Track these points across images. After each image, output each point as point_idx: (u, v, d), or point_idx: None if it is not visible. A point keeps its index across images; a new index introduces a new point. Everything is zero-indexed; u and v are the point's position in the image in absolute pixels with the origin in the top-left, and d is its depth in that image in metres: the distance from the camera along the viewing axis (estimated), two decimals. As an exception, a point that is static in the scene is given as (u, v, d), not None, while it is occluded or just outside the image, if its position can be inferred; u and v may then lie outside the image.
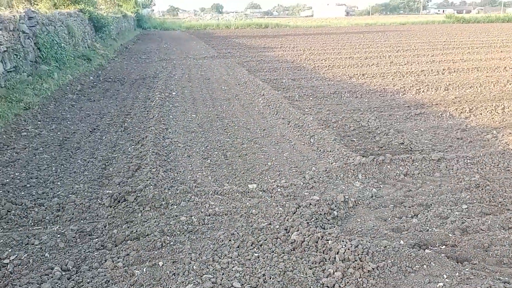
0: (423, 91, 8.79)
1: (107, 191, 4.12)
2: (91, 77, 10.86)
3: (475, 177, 4.31)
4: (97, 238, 3.29)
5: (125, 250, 3.06)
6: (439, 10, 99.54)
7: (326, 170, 4.53)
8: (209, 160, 5.02)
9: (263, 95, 8.45)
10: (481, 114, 6.91)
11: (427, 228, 3.39)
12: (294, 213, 3.57)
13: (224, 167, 4.80)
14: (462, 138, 5.76)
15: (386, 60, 13.59)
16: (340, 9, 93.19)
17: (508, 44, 18.42)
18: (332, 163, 4.76)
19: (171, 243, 3.16)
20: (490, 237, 3.22)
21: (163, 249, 3.08)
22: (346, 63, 13.10)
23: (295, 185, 4.24)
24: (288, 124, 6.55)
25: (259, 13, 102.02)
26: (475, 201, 3.86)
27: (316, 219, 3.47)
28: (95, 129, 6.39)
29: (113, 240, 3.22)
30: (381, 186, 4.27)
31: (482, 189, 4.06)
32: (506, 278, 2.75)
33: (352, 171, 4.52)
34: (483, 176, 4.41)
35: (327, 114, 7.11)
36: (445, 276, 2.74)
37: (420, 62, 13.05)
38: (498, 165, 4.70)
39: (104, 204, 3.85)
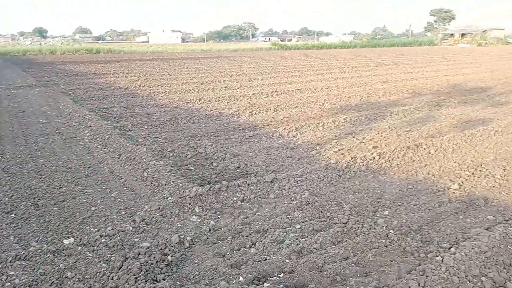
0: (255, 113, 9.19)
1: None
2: None
3: (305, 194, 4.48)
4: None
5: None
6: (265, 38, 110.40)
7: (159, 207, 4.10)
8: (13, 215, 4.04)
9: (90, 126, 7.56)
10: (306, 132, 7.49)
11: (265, 256, 3.27)
12: (120, 268, 3.02)
13: (33, 221, 3.91)
14: (291, 157, 6.07)
15: (221, 85, 13.99)
16: (176, 36, 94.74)
17: (322, 67, 21.21)
18: (167, 198, 4.36)
19: None
20: (323, 255, 3.27)
21: None
22: (183, 89, 12.98)
23: (123, 231, 3.69)
24: (119, 158, 5.91)
25: (90, 38, 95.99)
26: (307, 219, 3.96)
27: (146, 271, 3.00)
28: None
29: None
30: (219, 216, 4.05)
31: (311, 205, 4.22)
32: (340, 297, 2.77)
33: (188, 204, 4.20)
34: (311, 192, 4.63)
35: (163, 143, 6.71)
36: (285, 309, 2.61)
37: (251, 86, 13.83)
38: (323, 179, 5.02)
39: None
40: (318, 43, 58.62)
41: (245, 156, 6.09)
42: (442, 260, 2.97)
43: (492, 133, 7.16)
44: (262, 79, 15.75)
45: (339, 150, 6.37)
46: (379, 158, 5.73)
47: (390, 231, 3.65)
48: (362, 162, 5.58)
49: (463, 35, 67.71)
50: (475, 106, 9.99)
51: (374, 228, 3.71)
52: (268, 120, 8.50)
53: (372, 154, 5.84)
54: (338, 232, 3.67)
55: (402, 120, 8.43)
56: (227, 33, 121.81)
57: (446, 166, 5.55)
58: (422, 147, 6.27)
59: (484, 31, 65.48)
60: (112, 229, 3.72)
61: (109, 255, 3.27)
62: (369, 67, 21.82)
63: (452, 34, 71.51)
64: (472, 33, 65.66)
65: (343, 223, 3.84)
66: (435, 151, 6.17)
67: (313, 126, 7.80)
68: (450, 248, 3.32)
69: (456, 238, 3.59)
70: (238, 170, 5.39)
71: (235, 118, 8.81)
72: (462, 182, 4.96)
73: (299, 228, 3.76)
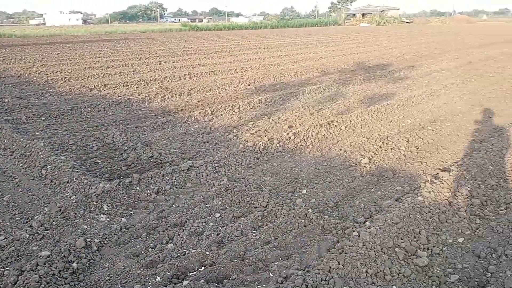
0: (168, 98, 8.76)
1: None
2: None
3: (223, 180, 4.33)
4: None
5: None
6: (175, 19, 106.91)
7: (61, 209, 3.65)
8: None
9: (-27, 121, 6.56)
10: (221, 115, 7.32)
11: (184, 251, 3.07)
12: (15, 284, 2.61)
13: None
14: (208, 142, 5.87)
15: (129, 69, 13.14)
16: (76, 17, 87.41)
17: (235, 49, 21.06)
18: (70, 198, 3.91)
19: None
20: (244, 243, 3.16)
21: None
22: (85, 74, 11.92)
23: (18, 240, 3.21)
24: (11, 155, 5.19)
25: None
26: (226, 206, 3.82)
27: (47, 283, 2.62)
28: None
29: None
30: (131, 212, 3.74)
31: (231, 191, 4.09)
32: (264, 285, 2.69)
33: (95, 203, 3.80)
34: (230, 177, 4.50)
35: (64, 136, 6.05)
36: (207, 307, 2.45)
37: (163, 69, 13.21)
38: (241, 163, 4.92)
39: None
40: (229, 24, 58.29)
41: (158, 144, 5.75)
42: (359, 235, 3.04)
43: (395, 107, 7.66)
44: (174, 62, 15.13)
45: (256, 132, 6.31)
46: (294, 138, 5.78)
47: (309, 210, 3.67)
48: (279, 143, 5.58)
49: (363, 15, 72.30)
50: (378, 82, 10.64)
51: (293, 209, 3.70)
52: (182, 105, 8.15)
53: (288, 134, 5.87)
54: (258, 216, 3.59)
55: (314, 99, 8.66)
56: (133, 13, 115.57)
57: (356, 141, 5.79)
58: (333, 124, 6.46)
59: (382, 11, 70.53)
60: (4, 239, 3.21)
61: (1, 269, 2.81)
62: (280, 47, 22.19)
63: (354, 14, 75.98)
64: (371, 13, 70.37)
65: (263, 207, 3.77)
66: (346, 127, 6.41)
67: (228, 109, 7.65)
68: (365, 222, 3.43)
69: (370, 211, 3.73)
70: (151, 160, 5.05)
71: (146, 103, 8.31)
72: (372, 156, 5.20)
73: (219, 217, 3.62)
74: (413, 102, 8.09)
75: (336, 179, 4.52)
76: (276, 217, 3.62)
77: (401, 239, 3.09)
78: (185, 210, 3.75)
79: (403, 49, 19.95)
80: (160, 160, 5.04)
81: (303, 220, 3.51)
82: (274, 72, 12.53)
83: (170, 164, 4.87)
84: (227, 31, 47.93)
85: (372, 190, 4.25)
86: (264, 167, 4.89)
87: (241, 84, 10.47)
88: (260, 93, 9.42)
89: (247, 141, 5.82)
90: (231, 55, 17.68)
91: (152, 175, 4.37)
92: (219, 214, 3.65)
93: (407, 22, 70.83)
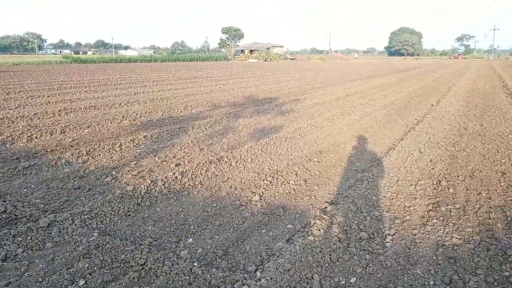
0: (36, 137, 7.63)
1: None
2: None
3: (93, 235, 3.67)
4: None
5: None
6: (56, 51, 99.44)
7: None
8: None
9: None
10: (99, 155, 6.54)
11: None
12: None
13: None
14: (80, 188, 5.09)
15: (-8, 104, 11.38)
16: None
17: (121, 82, 19.99)
18: None
19: None
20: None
21: None
22: None
23: None
24: None
25: None
26: (95, 269, 3.18)
27: None
28: None
29: None
30: (-37, 292, 2.87)
31: (102, 249, 3.46)
32: None
33: None
34: (103, 231, 3.85)
35: None
36: None
37: (34, 104, 11.73)
38: (118, 212, 4.29)
39: None
40: (117, 56, 56.10)
41: (16, 194, 4.79)
42: (249, 290, 2.70)
43: (283, 140, 7.73)
44: (49, 96, 13.63)
45: (138, 173, 5.71)
46: (181, 177, 5.34)
47: (195, 263, 3.23)
48: (163, 184, 5.07)
49: (251, 51, 76.12)
50: (267, 115, 10.83)
51: (177, 264, 3.23)
52: (52, 145, 7.13)
53: (174, 173, 5.40)
54: (134, 278, 3.04)
55: (204, 134, 8.36)
56: (6, 44, 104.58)
57: (247, 177, 5.58)
58: (223, 160, 6.20)
59: (268, 48, 75.07)
60: None
61: None
62: (170, 81, 21.76)
63: (243, 51, 79.53)
64: (258, 50, 74.41)
65: (141, 265, 3.22)
66: (236, 162, 6.19)
67: (108, 148, 6.90)
68: (255, 271, 3.10)
69: (261, 257, 3.43)
70: (3, 216, 4.12)
71: (7, 145, 7.09)
72: (262, 193, 5.00)
73: (83, 285, 2.96)
74: (299, 134, 8.29)
75: (226, 222, 4.17)
76: (156, 276, 3.10)
77: (294, 287, 2.84)
78: (40, 280, 3.01)
79: (288, 83, 21.07)
80: (15, 215, 4.15)
81: (187, 277, 3.06)
82: (163, 106, 12.01)
83: (27, 220, 4.02)
84: (114, 63, 45.88)
85: (264, 231, 3.99)
86: (145, 214, 4.33)
87: (126, 120, 9.72)
88: (146, 128, 8.81)
89: (127, 184, 5.19)
90: (116, 89, 16.66)
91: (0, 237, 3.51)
92: (84, 281, 3.00)
93: (290, 59, 76.46)
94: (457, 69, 39.11)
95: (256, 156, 6.61)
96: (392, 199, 4.75)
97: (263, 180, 5.46)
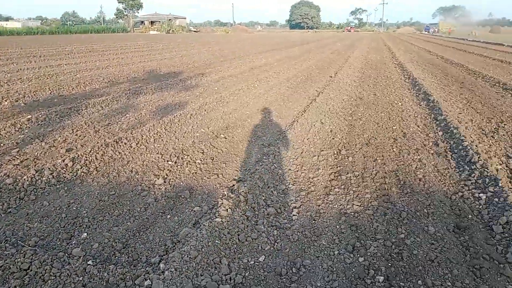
0: None
1: None
2: None
3: (-39, 242, 3.08)
4: None
5: None
6: None
7: None
8: None
9: None
10: (-29, 143, 5.59)
11: None
12: None
13: None
14: None
15: None
16: None
17: (1, 58, 17.51)
18: None
19: None
20: None
21: None
22: None
23: None
24: None
25: None
26: (-36, 283, 2.67)
27: None
28: None
29: None
30: None
31: (-27, 258, 2.91)
32: None
33: None
34: (-26, 235, 3.26)
35: None
36: None
37: None
38: (-6, 210, 3.68)
39: None
40: (-4, 28, 49.15)
41: None
42: (151, 286, 2.47)
43: (188, 116, 7.42)
44: None
45: (21, 162, 4.99)
46: (73, 164, 4.78)
47: (89, 262, 2.89)
48: (51, 174, 4.49)
49: (152, 22, 72.41)
50: (171, 91, 10.33)
51: (69, 264, 2.86)
52: None
53: (64, 160, 4.82)
54: (16, 287, 2.61)
55: (100, 113, 7.65)
56: None
57: (150, 159, 5.22)
58: (123, 141, 5.72)
59: (170, 20, 72.06)
60: None
61: None
62: (61, 55, 19.69)
63: (142, 22, 75.27)
64: (160, 21, 71.06)
65: (24, 270, 2.79)
66: (137, 144, 5.76)
67: (-18, 135, 5.94)
68: (159, 263, 2.87)
69: (166, 246, 3.20)
70: None
71: None
72: (167, 175, 4.72)
73: None
74: (205, 110, 8.04)
75: (126, 211, 3.84)
76: (44, 281, 2.70)
77: (201, 275, 2.68)
78: None
79: (193, 57, 20.44)
80: None
81: (81, 278, 2.72)
82: (52, 83, 10.75)
83: None
84: (-9, 36, 40.20)
85: (169, 216, 3.75)
86: (30, 209, 3.78)
87: (5, 101, 8.50)
88: (31, 110, 7.79)
89: (7, 175, 4.49)
90: (-7, 65, 14.53)
91: None
92: None
93: (194, 31, 74.55)
94: (351, 41, 41.71)
95: (160, 135, 6.23)
96: (297, 171, 4.81)
97: (168, 161, 5.16)
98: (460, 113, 7.62)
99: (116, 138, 5.77)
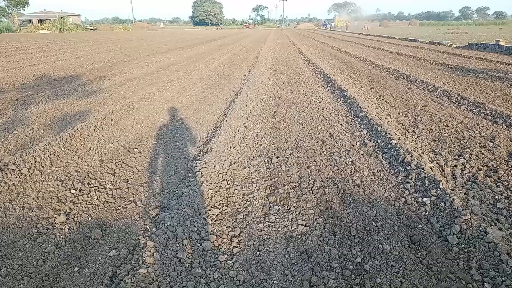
0: None
1: None
2: None
3: None
4: None
5: None
6: None
7: None
8: None
9: None
10: None
11: None
12: None
13: None
14: None
15: None
16: None
17: None
18: None
19: None
20: None
21: None
22: None
23: None
24: None
25: None
26: None
27: None
28: None
29: None
30: None
31: None
32: None
33: None
34: None
35: None
36: None
37: None
38: None
39: None
40: None
41: None
42: None
43: (92, 129, 6.40)
44: None
45: None
46: None
47: None
48: None
49: (41, 21, 65.70)
50: (69, 99, 9.03)
51: None
52: None
53: None
54: None
55: (-23, 132, 6.25)
56: None
57: (47, 189, 4.25)
58: (9, 168, 4.61)
59: (62, 17, 66.02)
60: None
61: None
62: None
63: (30, 20, 67.92)
64: (50, 19, 64.74)
65: None
66: (29, 169, 4.70)
67: None
68: None
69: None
70: None
71: None
72: (70, 208, 3.83)
73: None
74: (112, 119, 7.05)
75: (17, 267, 2.93)
76: None
77: None
78: None
79: (92, 57, 18.63)
80: None
81: None
82: None
83: None
84: None
85: (76, 269, 2.93)
86: None
87: None
88: None
89: None
90: None
91: None
92: None
93: (91, 29, 69.42)
94: (257, 38, 42.16)
95: (58, 155, 5.20)
96: (229, 188, 4.26)
97: (70, 189, 4.24)
98: (377, 108, 7.72)
99: (1, 165, 4.64)
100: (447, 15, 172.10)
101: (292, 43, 30.12)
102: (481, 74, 11.30)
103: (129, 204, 3.96)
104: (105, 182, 4.45)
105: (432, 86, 9.54)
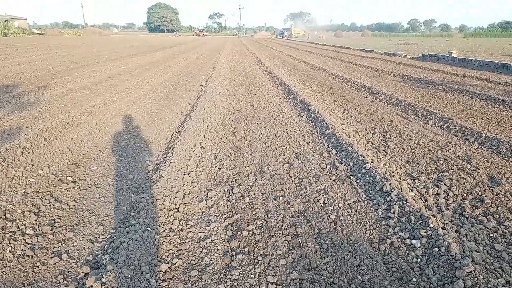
0: None
1: None
2: None
3: None
4: None
5: None
6: None
7: None
8: None
9: None
10: None
11: None
12: None
13: None
14: None
15: None
16: None
17: None
18: None
19: None
20: None
21: None
22: None
23: None
24: None
25: None
26: None
27: None
28: None
29: None
30: None
31: None
32: None
33: None
34: None
35: None
36: None
37: None
38: None
39: None
40: None
41: None
42: None
43: (19, 152, 5.40)
44: None
45: None
46: None
47: None
48: None
49: (-18, 23, 61.24)
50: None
51: None
52: None
53: None
54: None
55: None
56: None
57: None
58: None
59: (6, 21, 61.94)
60: None
61: None
62: None
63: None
64: (-7, 22, 60.49)
65: None
66: None
67: None
68: None
69: None
70: None
71: None
72: (-30, 269, 2.91)
73: None
74: (46, 139, 6.06)
75: None
76: None
77: None
78: None
79: (34, 64, 17.09)
80: None
81: None
82: None
83: None
84: None
85: None
86: None
87: None
88: None
89: None
90: None
91: None
92: None
93: (39, 34, 65.68)
94: (214, 45, 41.44)
95: (-32, 189, 4.20)
96: (182, 231, 3.50)
97: (-24, 237, 3.31)
98: (343, 124, 7.25)
99: None
100: (397, 26, 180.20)
101: (250, 52, 29.66)
102: (441, 86, 11.25)
103: (51, 258, 3.10)
104: (24, 225, 3.55)
105: (395, 99, 9.26)
